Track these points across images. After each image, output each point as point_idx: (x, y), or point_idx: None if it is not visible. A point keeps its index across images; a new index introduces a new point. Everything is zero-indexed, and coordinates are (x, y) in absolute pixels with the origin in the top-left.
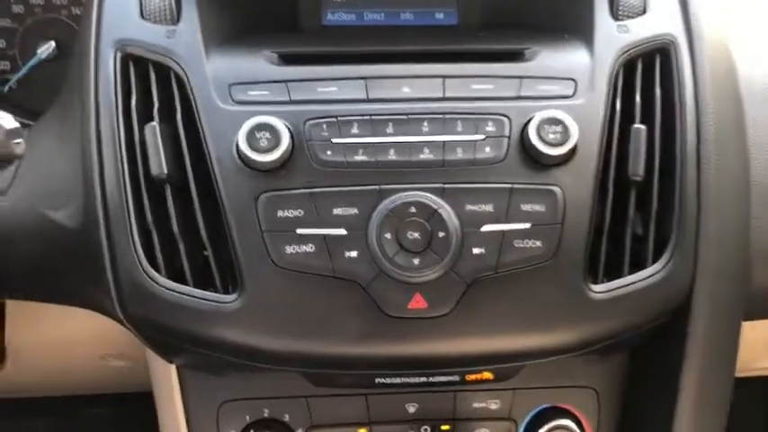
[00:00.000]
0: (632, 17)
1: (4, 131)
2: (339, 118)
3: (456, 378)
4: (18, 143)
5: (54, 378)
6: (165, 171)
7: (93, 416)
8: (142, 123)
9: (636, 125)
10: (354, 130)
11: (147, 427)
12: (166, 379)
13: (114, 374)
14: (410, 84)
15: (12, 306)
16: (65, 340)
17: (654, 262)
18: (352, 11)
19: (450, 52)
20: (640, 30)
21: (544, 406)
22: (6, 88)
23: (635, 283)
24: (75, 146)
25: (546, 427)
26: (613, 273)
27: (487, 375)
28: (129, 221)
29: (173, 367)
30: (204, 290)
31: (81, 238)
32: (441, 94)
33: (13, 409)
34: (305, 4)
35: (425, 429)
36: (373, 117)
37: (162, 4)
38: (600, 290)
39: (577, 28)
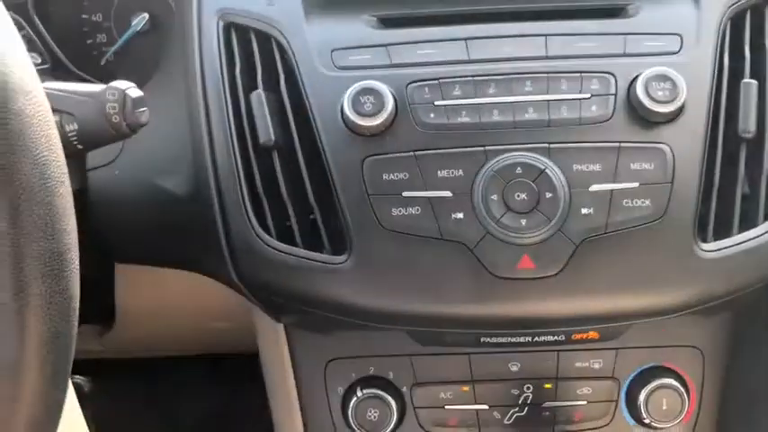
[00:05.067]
0: None
1: (132, 100)
2: (441, 80)
3: (561, 338)
4: (143, 111)
5: (158, 340)
6: (273, 138)
7: (189, 375)
8: (247, 91)
9: (746, 80)
10: (456, 92)
11: (243, 387)
12: (274, 338)
13: (216, 336)
14: (511, 43)
15: (120, 270)
16: (170, 304)
17: (765, 220)
18: None
19: (552, 10)
20: None
21: (648, 365)
22: (104, 60)
23: (745, 242)
24: (181, 115)
25: (650, 386)
26: (723, 232)
27: (593, 335)
28: (240, 188)
29: (281, 327)
30: (313, 251)
31: (192, 204)
32: (543, 53)
33: (110, 368)
34: None
35: (528, 388)
36: (475, 78)
37: None
38: (710, 249)
39: None
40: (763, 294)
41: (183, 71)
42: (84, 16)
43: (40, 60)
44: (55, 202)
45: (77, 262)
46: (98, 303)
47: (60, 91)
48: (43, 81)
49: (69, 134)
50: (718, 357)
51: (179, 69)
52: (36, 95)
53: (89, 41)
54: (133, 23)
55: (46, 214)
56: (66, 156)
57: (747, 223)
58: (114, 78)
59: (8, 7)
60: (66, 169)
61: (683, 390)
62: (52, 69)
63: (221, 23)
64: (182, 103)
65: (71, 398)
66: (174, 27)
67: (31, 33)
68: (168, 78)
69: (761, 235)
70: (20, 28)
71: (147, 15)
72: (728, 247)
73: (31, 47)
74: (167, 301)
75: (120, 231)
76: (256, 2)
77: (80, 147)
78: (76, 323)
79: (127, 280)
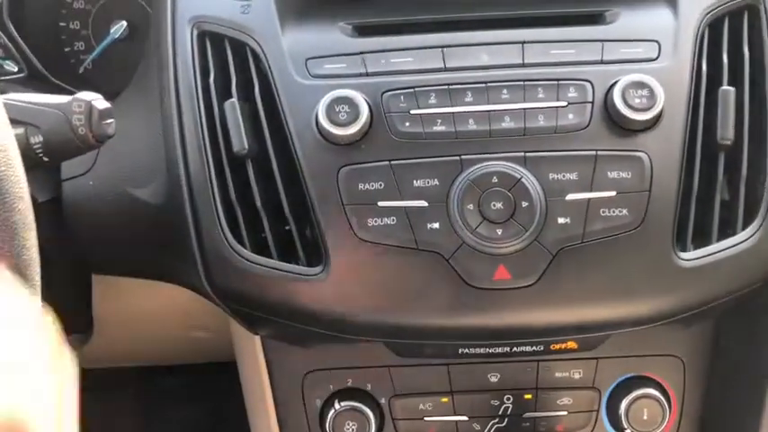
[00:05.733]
0: None
1: (98, 112)
2: (416, 89)
3: (540, 348)
4: (110, 123)
5: (137, 349)
6: (246, 147)
7: (172, 385)
8: (221, 100)
9: (724, 87)
10: (432, 101)
11: (225, 396)
12: (251, 350)
13: (196, 345)
14: (488, 51)
15: (97, 280)
16: (148, 313)
17: (744, 228)
18: None
19: (528, 17)
20: None
21: (628, 375)
22: (82, 68)
23: (724, 249)
24: (155, 124)
25: (630, 396)
26: (702, 240)
27: (572, 345)
28: (214, 197)
29: (257, 338)
30: (287, 262)
31: (165, 214)
32: (520, 61)
33: (93, 379)
34: None
35: (508, 398)
36: (451, 86)
37: None
38: (689, 257)
39: None
40: (743, 301)
41: (158, 79)
42: (61, 24)
43: (16, 69)
44: (13, 218)
45: (39, 277)
46: (75, 314)
47: (25, 102)
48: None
49: (34, 146)
50: (698, 366)
51: (154, 77)
52: None
53: (66, 49)
54: (111, 31)
55: (4, 231)
56: (32, 168)
57: (726, 231)
58: (92, 86)
59: None
60: (25, 184)
61: (663, 399)
62: (29, 77)
63: (195, 31)
64: (157, 111)
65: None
66: (150, 30)
67: (6, 41)
68: (144, 86)
69: (740, 243)
70: None
71: (125, 23)
72: (707, 256)
73: (6, 54)
74: (146, 311)
75: (95, 242)
76: (231, 10)
77: (46, 159)
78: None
79: (104, 290)
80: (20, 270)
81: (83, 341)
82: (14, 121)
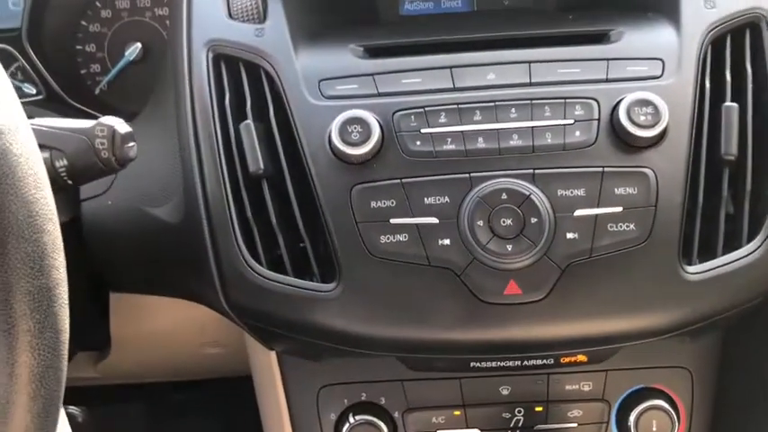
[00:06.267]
0: None
1: (121, 136)
2: (426, 108)
3: (550, 361)
4: (131, 146)
5: (153, 365)
6: (262, 167)
7: (185, 399)
8: (237, 121)
9: (727, 103)
10: (442, 120)
11: (239, 410)
12: (267, 365)
13: (211, 361)
14: (496, 70)
15: (115, 298)
16: (164, 330)
17: (749, 241)
18: None
19: (534, 37)
20: (728, 5)
21: (637, 387)
22: (98, 90)
23: (730, 263)
24: (172, 145)
25: (639, 407)
26: (707, 254)
27: (582, 358)
28: (231, 216)
29: (273, 354)
30: (302, 279)
31: (183, 233)
32: (527, 80)
33: (107, 394)
34: None
35: (519, 411)
36: (460, 106)
37: (249, 4)
38: (694, 271)
39: (661, 6)
40: (750, 313)
41: (174, 101)
42: (78, 47)
43: (34, 91)
44: (43, 239)
45: (66, 296)
46: (94, 331)
47: (50, 127)
48: (34, 115)
49: (59, 170)
50: (707, 377)
51: (170, 99)
52: (22, 134)
53: (83, 71)
54: (126, 53)
55: (34, 251)
56: (57, 191)
57: (732, 245)
58: (108, 107)
59: (3, 40)
60: (53, 206)
61: (672, 411)
62: (47, 100)
63: (211, 55)
64: (173, 132)
65: (65, 429)
66: (166, 54)
67: (25, 64)
68: (160, 108)
69: (745, 256)
70: (14, 59)
71: (140, 45)
72: (713, 269)
73: (25, 77)
74: (162, 328)
75: (113, 260)
76: (245, 33)
77: (70, 182)
78: (66, 357)
79: (122, 307)
80: (48, 290)
81: (100, 357)
82: (40, 146)
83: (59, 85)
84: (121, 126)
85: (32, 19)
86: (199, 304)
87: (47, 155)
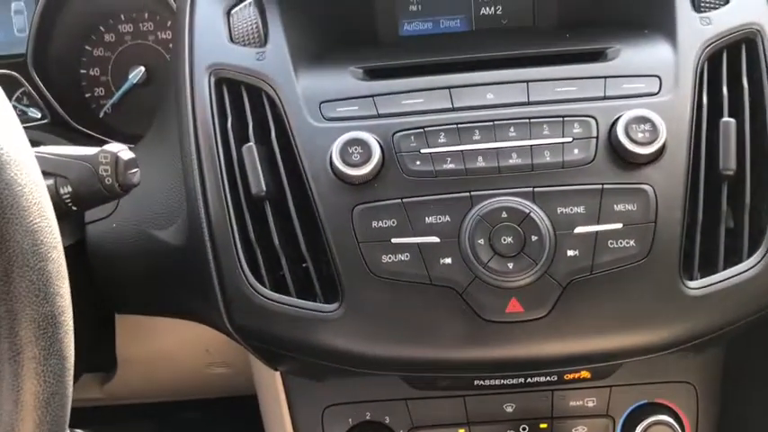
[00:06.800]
0: (714, 8)
1: (124, 162)
2: (426, 128)
3: (554, 378)
4: (134, 172)
5: (158, 385)
6: (264, 189)
7: (190, 418)
8: (239, 144)
9: (725, 119)
10: (442, 140)
11: (243, 429)
12: (272, 385)
13: (216, 380)
14: (494, 90)
15: (120, 319)
16: (169, 351)
17: (749, 255)
18: (428, 19)
19: (532, 56)
20: (724, 21)
21: (641, 402)
22: (102, 113)
23: (731, 277)
24: (175, 168)
25: (644, 422)
26: (708, 268)
27: (585, 374)
28: (234, 238)
29: (277, 374)
30: (306, 300)
31: (187, 254)
32: (525, 99)
33: (112, 414)
34: (383, 16)
35: (523, 428)
36: (459, 125)
37: (250, 28)
38: (696, 286)
39: (658, 23)
40: (753, 327)
41: (178, 125)
42: (82, 71)
43: (39, 115)
44: (48, 267)
45: (71, 323)
46: (99, 353)
47: (54, 155)
48: (39, 139)
49: (63, 196)
50: (711, 392)
51: (174, 123)
52: (27, 164)
53: (87, 95)
54: (130, 76)
55: (39, 279)
56: (61, 216)
57: (732, 259)
58: (112, 130)
59: (8, 65)
60: (58, 234)
61: (677, 426)
62: (52, 124)
63: (213, 79)
64: (177, 155)
65: None
66: (168, 78)
67: (30, 89)
68: (164, 131)
69: (746, 271)
70: (19, 85)
71: (143, 68)
72: (714, 284)
73: (30, 102)
74: (167, 349)
75: (118, 282)
76: (246, 57)
77: (74, 208)
78: (71, 383)
79: (127, 328)
80: (53, 317)
81: (106, 379)
82: (44, 173)
83: (64, 110)
84: (124, 153)
85: (37, 45)
86: (203, 325)
87: (51, 182)
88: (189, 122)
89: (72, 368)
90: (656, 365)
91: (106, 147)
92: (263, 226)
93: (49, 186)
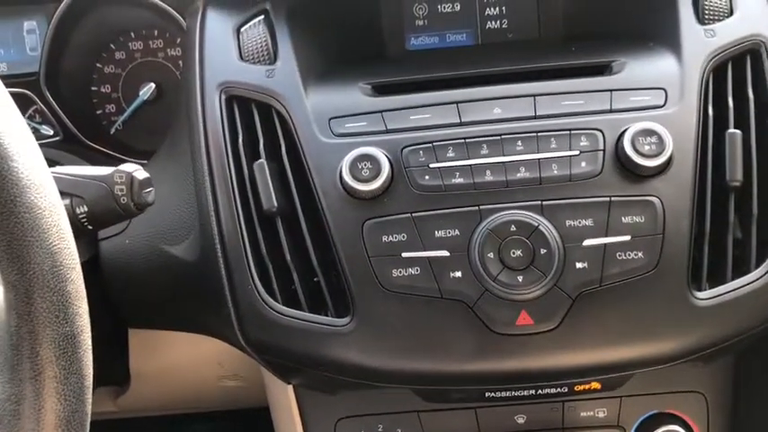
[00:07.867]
0: (719, 20)
1: (139, 182)
2: (434, 143)
3: (564, 389)
4: (149, 191)
5: (170, 399)
6: (276, 205)
7: (201, 431)
8: (250, 160)
9: (730, 130)
10: (450, 154)
11: None
12: (284, 398)
13: (229, 393)
14: (501, 105)
15: (133, 334)
16: (182, 364)
17: (757, 266)
18: (435, 34)
19: (538, 70)
20: (728, 32)
21: (652, 412)
22: (113, 130)
23: (739, 288)
24: (187, 185)
25: None
26: (717, 279)
27: (596, 386)
28: (246, 253)
29: (290, 387)
30: (317, 314)
31: (199, 270)
32: (532, 113)
33: (126, 427)
34: (389, 31)
35: None
36: (467, 140)
37: (259, 45)
38: (704, 297)
39: (663, 35)
40: (763, 337)
41: (189, 142)
42: (93, 88)
43: (52, 132)
44: (67, 288)
45: (90, 342)
46: (113, 367)
47: (70, 175)
48: (51, 156)
49: (79, 216)
50: (721, 402)
51: (185, 140)
52: (46, 187)
53: (98, 112)
54: (141, 93)
55: (59, 300)
56: (76, 235)
57: (740, 269)
58: (124, 147)
59: (21, 84)
60: (76, 255)
61: None
62: (64, 141)
63: (223, 96)
64: (189, 172)
65: None
66: (179, 95)
67: (43, 107)
68: (175, 148)
69: (754, 281)
70: (32, 103)
71: (153, 85)
72: (723, 294)
73: (43, 120)
74: (180, 363)
75: (131, 298)
76: (256, 74)
77: (90, 227)
78: (90, 400)
79: (140, 343)
80: (73, 337)
81: (120, 392)
82: (61, 193)
83: (76, 127)
84: (139, 173)
85: (50, 63)
86: (216, 339)
87: (67, 201)
88: (201, 140)
89: (91, 386)
90: (667, 376)
91: (121, 167)
92: (274, 241)
93: (65, 206)
